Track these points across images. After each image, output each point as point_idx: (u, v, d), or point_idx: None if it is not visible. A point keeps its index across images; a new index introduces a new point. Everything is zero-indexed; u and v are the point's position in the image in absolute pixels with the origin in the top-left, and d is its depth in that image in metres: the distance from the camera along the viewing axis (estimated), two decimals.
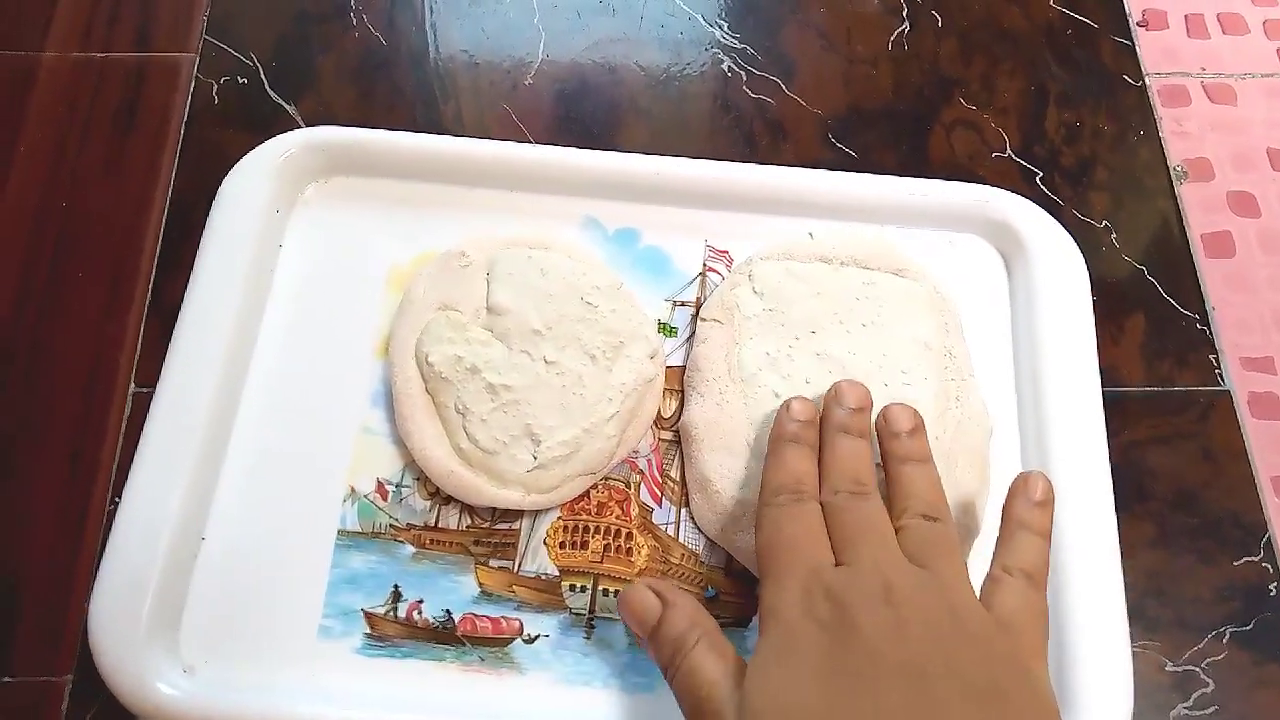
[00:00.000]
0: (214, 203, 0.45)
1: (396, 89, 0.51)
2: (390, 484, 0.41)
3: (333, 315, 0.44)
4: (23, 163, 0.48)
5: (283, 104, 0.50)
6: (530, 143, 0.50)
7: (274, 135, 0.49)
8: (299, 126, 0.49)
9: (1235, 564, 0.43)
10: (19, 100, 0.50)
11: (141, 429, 0.40)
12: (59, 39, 0.52)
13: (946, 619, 0.31)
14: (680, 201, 0.46)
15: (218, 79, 0.51)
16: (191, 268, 0.43)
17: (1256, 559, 0.43)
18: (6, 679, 0.39)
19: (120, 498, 0.39)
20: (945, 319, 0.44)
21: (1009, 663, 0.31)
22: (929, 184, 0.47)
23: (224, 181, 0.45)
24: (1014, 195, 0.47)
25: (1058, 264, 0.45)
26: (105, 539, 0.38)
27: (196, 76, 0.51)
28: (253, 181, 0.45)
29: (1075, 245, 0.46)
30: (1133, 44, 0.55)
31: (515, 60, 0.52)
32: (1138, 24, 0.56)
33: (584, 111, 0.51)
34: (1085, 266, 0.46)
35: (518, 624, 0.39)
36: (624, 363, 0.42)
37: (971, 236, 0.47)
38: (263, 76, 0.51)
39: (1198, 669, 0.41)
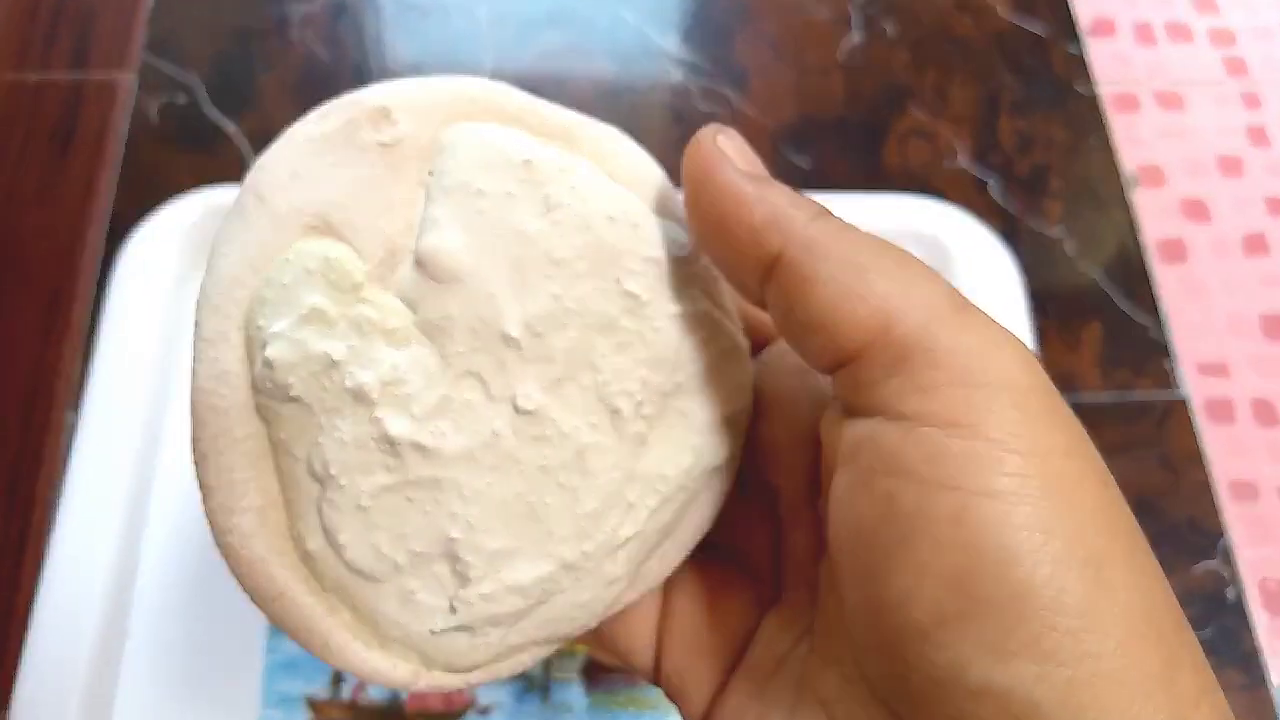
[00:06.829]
0: (111, 281, 0.42)
1: None
2: None
3: None
4: None
5: (224, 122, 0.49)
6: None
7: (215, 154, 0.48)
8: (240, 146, 0.48)
9: (1193, 570, 0.43)
10: None
11: (54, 521, 0.37)
12: None
13: None
14: None
15: (157, 98, 0.50)
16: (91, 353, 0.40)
17: (1214, 564, 0.43)
18: None
19: (38, 589, 0.36)
20: None
21: None
22: (858, 198, 0.46)
23: (120, 257, 0.42)
24: (941, 203, 0.46)
25: (989, 268, 0.45)
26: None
27: (136, 96, 0.50)
28: (153, 255, 0.42)
29: (1005, 248, 0.45)
30: (1083, 53, 0.55)
31: (463, 73, 0.52)
32: (1088, 33, 0.56)
33: None
34: (1017, 268, 0.45)
35: (469, 695, 0.37)
36: (677, 427, 0.20)
37: (905, 247, 0.47)
38: (204, 94, 0.50)
39: None
